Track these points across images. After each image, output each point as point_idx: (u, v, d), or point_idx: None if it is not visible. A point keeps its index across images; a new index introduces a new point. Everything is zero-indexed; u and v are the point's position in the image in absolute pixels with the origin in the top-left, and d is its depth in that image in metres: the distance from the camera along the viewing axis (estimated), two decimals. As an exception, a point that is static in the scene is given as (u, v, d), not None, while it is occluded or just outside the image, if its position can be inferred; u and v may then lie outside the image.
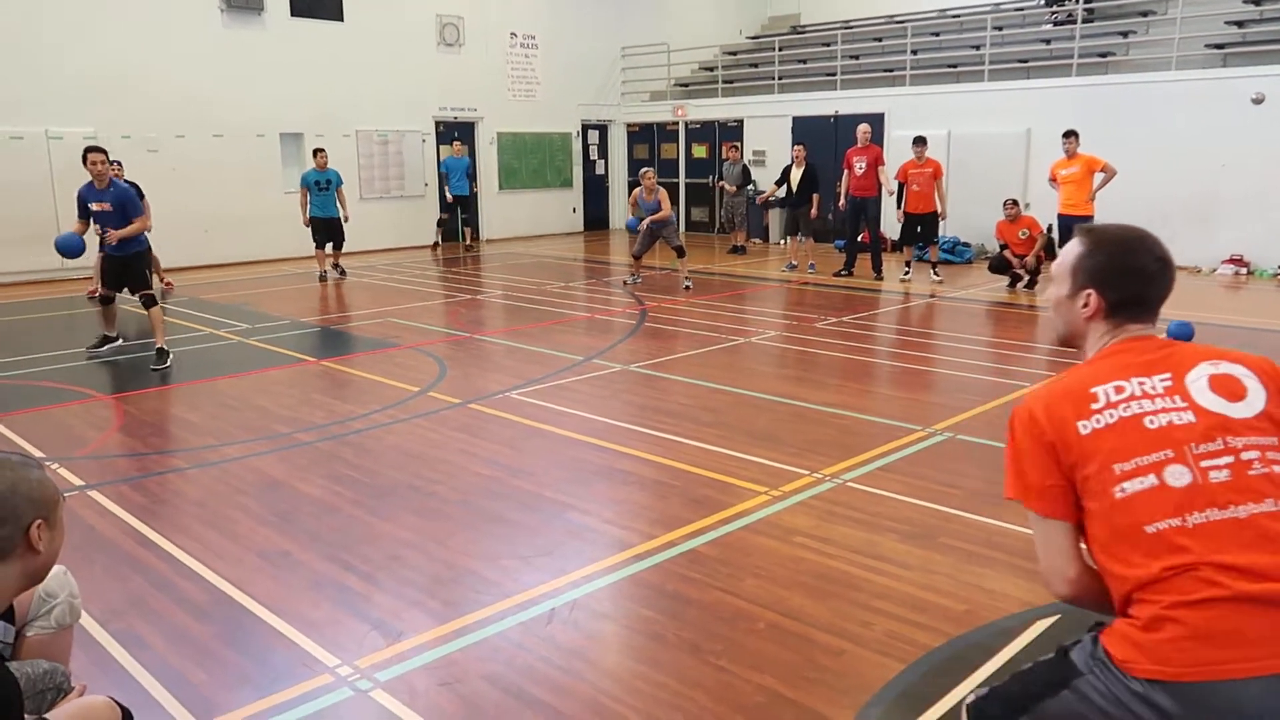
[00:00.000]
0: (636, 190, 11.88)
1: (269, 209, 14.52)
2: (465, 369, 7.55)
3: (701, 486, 4.82)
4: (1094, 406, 1.79)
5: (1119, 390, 1.80)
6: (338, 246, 12.89)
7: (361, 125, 15.90)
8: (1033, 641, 3.25)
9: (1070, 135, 10.70)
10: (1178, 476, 1.69)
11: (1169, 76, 13.05)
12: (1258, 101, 12.01)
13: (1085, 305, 1.94)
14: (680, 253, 11.71)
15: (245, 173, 14.48)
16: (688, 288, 11.51)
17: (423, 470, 5.09)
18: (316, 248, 12.85)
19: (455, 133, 17.25)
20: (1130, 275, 1.91)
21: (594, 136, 19.83)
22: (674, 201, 19.01)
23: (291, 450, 5.50)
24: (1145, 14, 14.94)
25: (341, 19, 15.35)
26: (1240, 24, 13.43)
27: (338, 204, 12.79)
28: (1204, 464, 1.70)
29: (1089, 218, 10.67)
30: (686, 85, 19.83)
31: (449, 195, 15.63)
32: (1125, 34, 14.70)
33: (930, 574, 3.81)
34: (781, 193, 13.66)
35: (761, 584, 3.74)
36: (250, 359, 8.04)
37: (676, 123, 19.13)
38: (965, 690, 2.95)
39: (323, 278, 12.76)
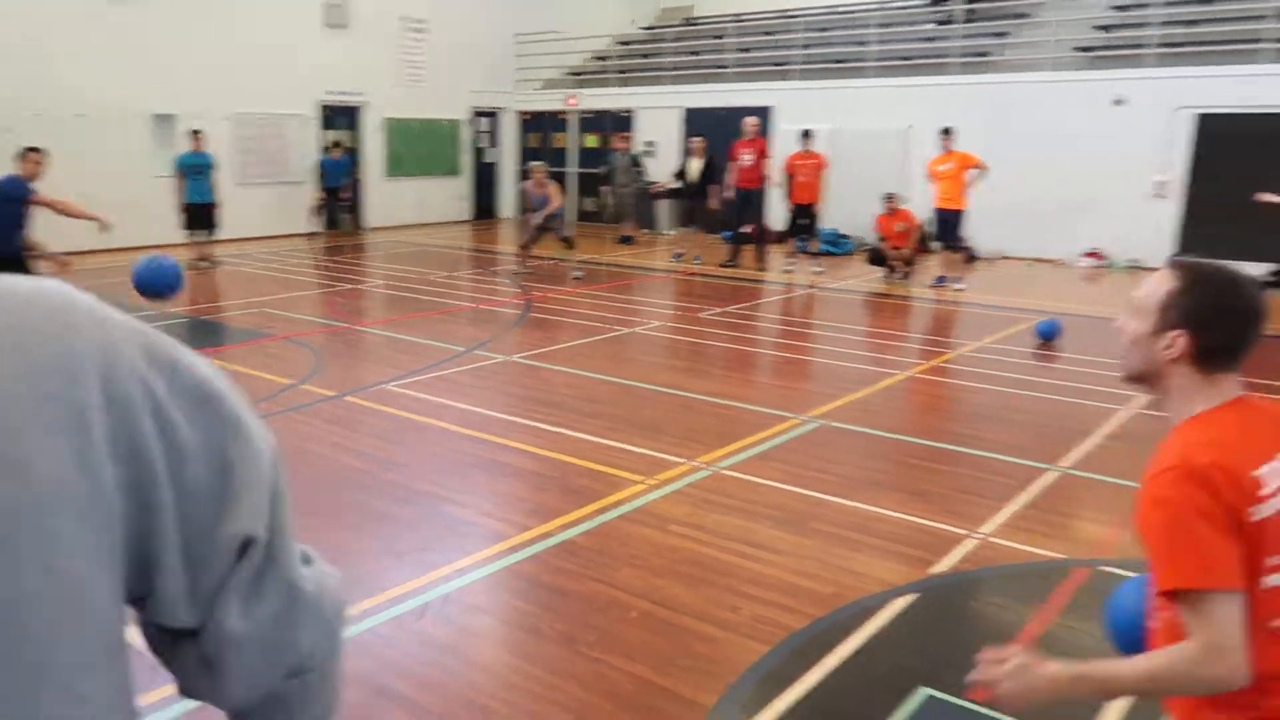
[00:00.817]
0: (526, 184, 11.85)
1: (138, 194, 13.79)
2: (342, 360, 7.37)
3: (580, 477, 4.83)
4: (1262, 493, 1.59)
5: (1276, 475, 1.62)
6: (210, 233, 12.39)
7: (241, 108, 15.28)
8: (892, 620, 3.38)
9: (946, 132, 11.11)
10: None
11: (1041, 77, 13.66)
12: (1118, 103, 12.69)
13: (1169, 347, 1.70)
14: (569, 244, 11.70)
15: (112, 155, 13.71)
16: (578, 278, 11.51)
17: (294, 466, 4.94)
18: (188, 234, 12.32)
19: (346, 119, 16.78)
20: (1230, 320, 1.69)
21: (485, 124, 19.57)
22: (564, 192, 19.00)
23: (155, 446, 5.27)
24: (1020, 16, 15.60)
25: (217, -6, 14.72)
26: (1105, 28, 14.16)
27: (211, 189, 12.29)
28: None
29: (960, 212, 11.11)
30: (579, 74, 19.76)
31: (318, 193, 15.36)
32: (1001, 35, 15.32)
33: (801, 559, 3.91)
34: (677, 184, 13.72)
35: (637, 573, 3.78)
36: (114, 351, 7.66)
37: (568, 112, 19.05)
38: (824, 670, 3.05)
39: (193, 266, 12.24)
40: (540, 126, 19.64)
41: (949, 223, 11.15)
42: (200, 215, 12.25)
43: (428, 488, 4.68)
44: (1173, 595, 1.58)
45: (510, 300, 10.22)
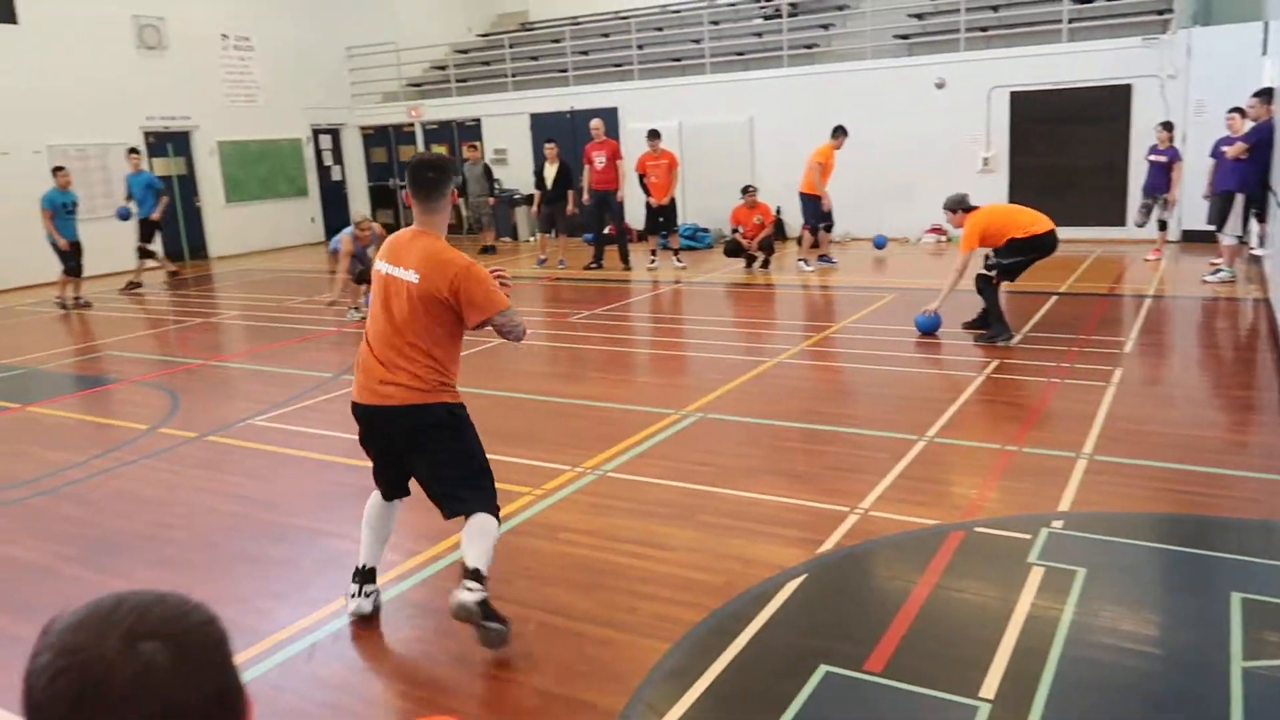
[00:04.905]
0: (348, 238, 9.58)
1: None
2: (200, 399, 7.01)
3: (464, 495, 4.74)
4: None
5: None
6: (77, 272, 11.70)
7: (54, 139, 14.29)
8: (785, 603, 3.46)
9: (843, 132, 11.57)
10: None
11: (865, 65, 14.26)
12: (940, 86, 13.37)
13: None
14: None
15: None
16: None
17: (157, 515, 4.67)
18: (67, 275, 11.65)
19: (176, 145, 15.92)
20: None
21: (326, 141, 18.95)
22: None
23: (-4, 512, 4.88)
24: (841, 8, 16.23)
25: (14, 20, 13.69)
26: (920, 16, 14.91)
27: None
28: None
29: (819, 198, 11.51)
30: (420, 85, 19.39)
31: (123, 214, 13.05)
32: (826, 26, 15.90)
33: (692, 552, 3.96)
34: (540, 191, 13.59)
35: (530, 584, 3.75)
36: (-63, 413, 7.05)
37: (413, 124, 18.67)
38: (725, 661, 3.10)
39: (68, 305, 11.66)
40: (384, 141, 19.19)
41: (812, 208, 11.63)
42: (77, 253, 11.75)
43: (305, 523, 4.50)
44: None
45: (371, 321, 9.92)
